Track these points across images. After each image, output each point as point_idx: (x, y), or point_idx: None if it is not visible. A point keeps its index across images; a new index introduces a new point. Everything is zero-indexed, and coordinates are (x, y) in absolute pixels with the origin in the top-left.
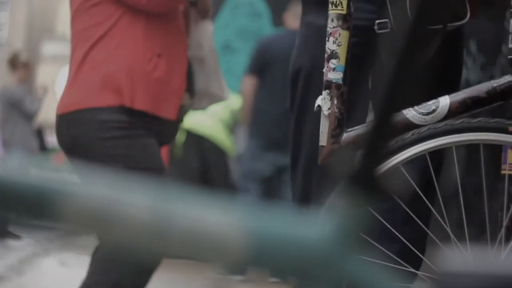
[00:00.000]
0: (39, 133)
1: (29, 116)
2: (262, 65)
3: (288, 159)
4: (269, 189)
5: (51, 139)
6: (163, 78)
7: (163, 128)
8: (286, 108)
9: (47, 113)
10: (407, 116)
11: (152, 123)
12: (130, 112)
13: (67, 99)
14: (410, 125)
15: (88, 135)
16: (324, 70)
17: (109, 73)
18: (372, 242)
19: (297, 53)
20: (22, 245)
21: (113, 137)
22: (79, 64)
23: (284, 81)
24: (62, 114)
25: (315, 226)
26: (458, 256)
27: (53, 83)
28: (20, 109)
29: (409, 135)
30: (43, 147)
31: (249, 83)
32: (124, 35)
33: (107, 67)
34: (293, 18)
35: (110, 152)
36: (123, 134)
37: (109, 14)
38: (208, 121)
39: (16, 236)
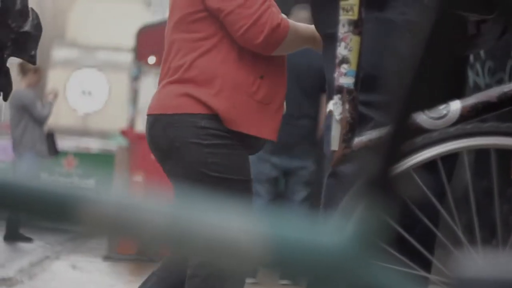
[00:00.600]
0: (50, 137)
1: (39, 121)
2: None
3: (293, 162)
4: (276, 192)
5: (61, 144)
6: (265, 100)
7: (254, 143)
8: (290, 111)
9: (58, 117)
10: (418, 120)
11: (247, 139)
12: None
13: (166, 101)
14: (420, 130)
15: (187, 140)
16: (335, 75)
17: (213, 88)
18: (384, 246)
19: (371, 51)
20: (34, 248)
21: (211, 144)
22: (184, 70)
23: (287, 83)
24: (158, 115)
25: (331, 231)
26: (472, 261)
27: (64, 88)
28: (30, 114)
29: (420, 140)
30: (54, 151)
31: None
32: (229, 53)
33: (211, 81)
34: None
35: (208, 159)
36: (222, 143)
37: (214, 31)
38: None
39: (27, 239)
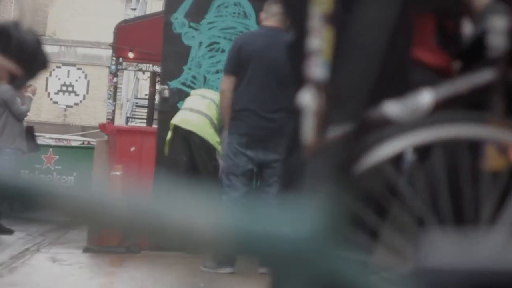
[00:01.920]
0: (30, 133)
1: (19, 116)
2: (238, 63)
3: (268, 155)
4: (251, 185)
5: (42, 138)
6: None
7: None
8: (267, 105)
9: (38, 112)
10: (387, 111)
11: None
12: None
13: None
14: (390, 121)
15: None
16: (308, 67)
17: None
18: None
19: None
20: (14, 240)
21: None
22: None
23: (261, 78)
24: None
25: (297, 221)
26: (435, 249)
27: (44, 83)
28: (10, 109)
29: (389, 131)
30: (33, 147)
31: (226, 82)
32: None
33: None
34: (268, 18)
35: None
36: None
37: None
38: (194, 116)
39: (8, 231)
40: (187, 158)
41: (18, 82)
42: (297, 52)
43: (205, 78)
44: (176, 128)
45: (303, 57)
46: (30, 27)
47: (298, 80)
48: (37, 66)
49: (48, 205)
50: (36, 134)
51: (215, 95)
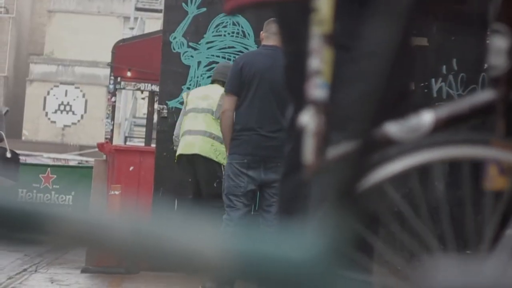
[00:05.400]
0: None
1: None
2: (240, 83)
3: (269, 175)
4: (252, 205)
5: (39, 159)
6: None
7: None
8: (268, 126)
9: (36, 132)
10: (388, 131)
11: None
12: None
13: None
14: (391, 141)
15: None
16: (308, 87)
17: None
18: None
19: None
20: (12, 261)
21: None
22: None
23: (264, 98)
24: None
25: (301, 244)
26: (438, 269)
27: (42, 103)
28: None
29: (391, 151)
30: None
31: (227, 102)
32: None
33: None
34: (269, 37)
35: None
36: None
37: None
38: (195, 139)
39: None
40: (192, 179)
41: None
42: (294, 72)
43: None
44: (180, 155)
45: (300, 78)
46: None
47: (296, 100)
48: None
49: (47, 228)
50: (34, 153)
51: (212, 92)
